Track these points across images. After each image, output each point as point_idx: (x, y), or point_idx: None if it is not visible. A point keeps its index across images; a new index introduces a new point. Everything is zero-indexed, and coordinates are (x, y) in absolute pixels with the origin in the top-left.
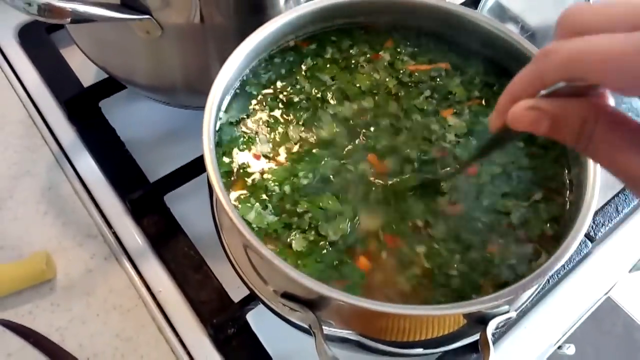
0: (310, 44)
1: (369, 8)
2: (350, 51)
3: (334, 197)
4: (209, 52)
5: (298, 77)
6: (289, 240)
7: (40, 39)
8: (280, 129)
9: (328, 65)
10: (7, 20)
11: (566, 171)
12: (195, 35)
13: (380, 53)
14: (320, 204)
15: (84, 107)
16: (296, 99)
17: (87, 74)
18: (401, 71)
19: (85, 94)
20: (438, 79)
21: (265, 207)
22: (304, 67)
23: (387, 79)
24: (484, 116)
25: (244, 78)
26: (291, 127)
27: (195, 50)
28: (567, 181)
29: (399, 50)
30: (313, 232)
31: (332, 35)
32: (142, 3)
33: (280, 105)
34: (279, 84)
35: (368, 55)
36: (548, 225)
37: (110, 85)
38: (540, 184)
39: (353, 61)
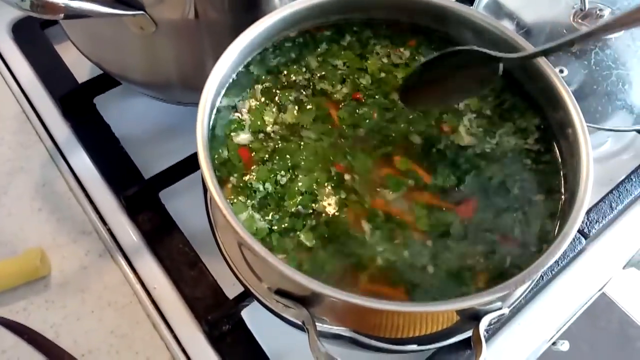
0: (327, 31)
1: (364, 4)
2: (370, 41)
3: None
4: (203, 48)
5: (309, 61)
6: (298, 241)
7: (34, 34)
8: (279, 114)
9: (343, 52)
10: (1, 15)
11: (561, 169)
12: (189, 31)
13: (400, 49)
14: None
15: (78, 103)
16: (300, 82)
17: (81, 70)
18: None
19: (79, 90)
20: None
21: (257, 207)
22: (318, 51)
23: (394, 71)
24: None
25: (249, 61)
26: (289, 111)
27: (190, 46)
28: (562, 179)
29: (419, 51)
30: (312, 217)
31: (355, 26)
32: None
33: (284, 90)
34: (286, 68)
35: (388, 50)
36: (543, 223)
37: (105, 82)
38: (536, 184)
39: (369, 50)
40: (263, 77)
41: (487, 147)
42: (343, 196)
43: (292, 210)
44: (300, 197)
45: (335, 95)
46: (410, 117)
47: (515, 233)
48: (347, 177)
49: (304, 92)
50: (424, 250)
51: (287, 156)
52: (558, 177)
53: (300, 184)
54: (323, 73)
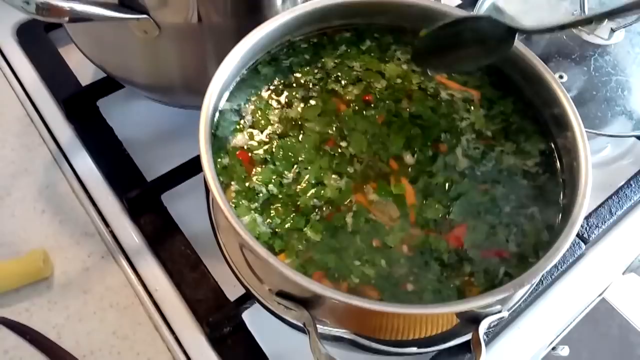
0: (347, 33)
1: (365, 9)
2: (392, 46)
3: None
4: (206, 51)
5: (325, 62)
6: (303, 239)
7: (38, 37)
8: (284, 112)
9: (360, 56)
10: (6, 18)
11: (560, 174)
12: (192, 35)
13: None
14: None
15: (81, 106)
16: (310, 81)
17: (85, 72)
18: (428, 78)
19: (83, 93)
20: (458, 103)
21: (260, 210)
22: (337, 53)
23: (411, 78)
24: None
25: (258, 61)
26: (294, 108)
27: (193, 50)
28: (562, 184)
29: None
30: (319, 211)
31: (375, 33)
32: (140, 3)
33: (292, 89)
34: (299, 71)
35: (408, 56)
36: (542, 232)
37: (108, 85)
38: (536, 191)
39: (390, 55)
40: (271, 78)
41: (486, 165)
42: (350, 170)
43: (308, 204)
44: (314, 189)
45: (345, 96)
46: (412, 131)
47: (511, 247)
48: (343, 144)
49: (313, 91)
50: (405, 261)
51: (290, 153)
52: (557, 182)
53: (308, 176)
54: (338, 74)
